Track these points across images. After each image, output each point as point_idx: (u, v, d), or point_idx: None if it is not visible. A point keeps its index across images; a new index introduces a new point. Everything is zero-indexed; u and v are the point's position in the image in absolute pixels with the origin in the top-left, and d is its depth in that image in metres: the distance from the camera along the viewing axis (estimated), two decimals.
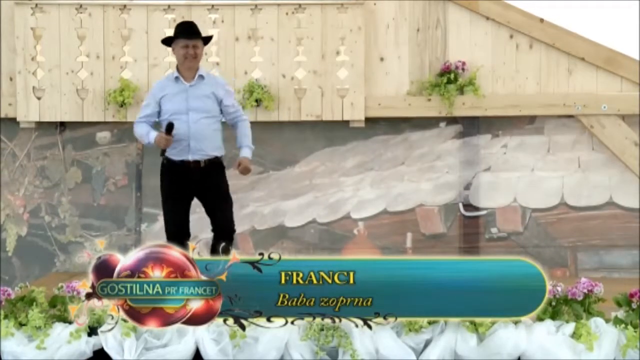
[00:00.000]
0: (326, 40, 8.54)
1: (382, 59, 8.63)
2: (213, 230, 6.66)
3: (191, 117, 6.45)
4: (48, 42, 8.57)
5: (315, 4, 8.54)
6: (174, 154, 6.51)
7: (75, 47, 8.59)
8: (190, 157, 6.47)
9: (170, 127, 6.37)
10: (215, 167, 6.56)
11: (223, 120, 6.74)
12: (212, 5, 8.56)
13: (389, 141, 8.77)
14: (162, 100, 6.53)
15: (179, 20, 8.49)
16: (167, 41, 6.69)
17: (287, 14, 8.55)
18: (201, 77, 6.55)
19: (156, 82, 6.85)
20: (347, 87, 8.55)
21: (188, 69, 6.51)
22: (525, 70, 8.60)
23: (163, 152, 6.50)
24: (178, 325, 5.66)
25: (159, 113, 6.58)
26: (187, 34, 6.50)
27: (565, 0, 8.92)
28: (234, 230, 6.69)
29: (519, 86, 8.61)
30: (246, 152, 6.65)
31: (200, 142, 6.48)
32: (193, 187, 6.54)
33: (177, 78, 6.53)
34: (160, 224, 8.73)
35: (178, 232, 6.47)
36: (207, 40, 6.73)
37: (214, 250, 6.63)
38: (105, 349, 5.66)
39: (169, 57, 8.55)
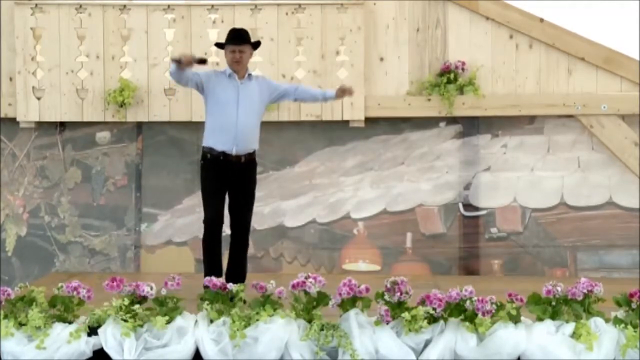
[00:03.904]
0: (326, 40, 8.55)
1: (381, 59, 8.63)
2: (231, 227, 7.01)
3: (240, 111, 6.89)
4: (48, 42, 8.57)
5: (315, 4, 8.55)
6: (219, 143, 6.87)
7: (75, 47, 8.59)
8: (234, 151, 6.86)
9: (202, 60, 6.79)
10: (252, 164, 7.03)
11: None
12: (212, 5, 8.56)
13: (388, 141, 8.78)
14: (209, 83, 6.93)
15: (179, 20, 8.54)
16: (219, 44, 7.23)
17: (286, 13, 8.56)
18: (250, 75, 7.05)
19: (209, 70, 7.21)
20: None
21: (237, 70, 6.98)
22: (525, 70, 8.61)
23: (177, 65, 6.70)
24: (177, 325, 5.68)
25: (202, 88, 6.95)
26: (234, 40, 6.97)
27: (565, 0, 8.93)
28: (249, 233, 7.08)
29: (519, 86, 8.62)
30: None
31: (245, 134, 6.90)
32: (230, 180, 6.92)
33: (230, 75, 6.96)
34: (159, 224, 8.75)
35: (215, 219, 6.88)
36: (255, 45, 7.17)
37: (232, 253, 7.04)
38: (105, 348, 5.66)
39: (169, 57, 8.55)
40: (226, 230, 6.97)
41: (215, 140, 6.89)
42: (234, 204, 6.99)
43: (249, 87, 6.96)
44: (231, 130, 6.85)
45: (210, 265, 6.86)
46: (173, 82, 8.49)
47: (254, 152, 7.00)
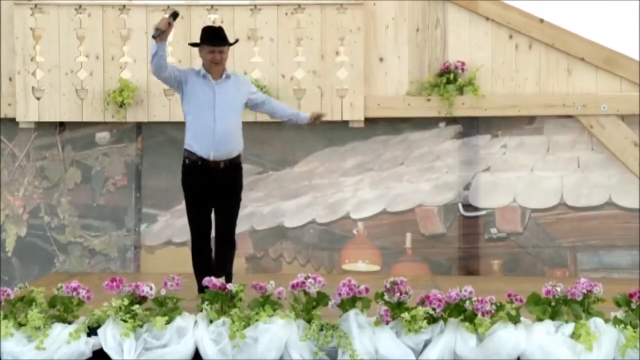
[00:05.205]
0: (325, 40, 8.55)
1: (381, 59, 8.63)
2: (215, 232, 6.76)
3: (217, 115, 6.60)
4: (47, 43, 8.57)
5: (315, 4, 8.55)
6: (198, 146, 6.63)
7: (75, 48, 8.60)
8: (212, 157, 6.60)
9: (174, 14, 6.47)
10: (234, 168, 6.74)
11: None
12: (212, 6, 8.57)
13: (388, 141, 8.78)
14: (187, 83, 6.66)
15: (178, 20, 8.46)
16: (193, 43, 6.94)
17: (286, 14, 8.56)
18: (227, 76, 6.74)
19: (185, 68, 6.95)
20: (347, 88, 8.56)
21: (215, 71, 6.70)
22: (525, 70, 8.61)
23: (157, 34, 6.38)
24: (177, 325, 5.68)
25: (180, 83, 6.67)
26: (213, 41, 6.68)
27: (565, 0, 8.93)
28: (234, 239, 6.80)
29: (519, 86, 8.62)
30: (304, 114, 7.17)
31: (224, 139, 6.62)
32: (211, 186, 6.68)
33: (204, 75, 6.69)
34: (159, 224, 8.76)
35: (202, 227, 6.72)
36: (232, 44, 6.89)
37: (217, 257, 6.78)
38: (105, 349, 5.65)
39: (168, 58, 8.50)
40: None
41: (194, 144, 6.64)
42: (216, 209, 6.75)
43: (225, 88, 6.67)
44: (208, 135, 6.58)
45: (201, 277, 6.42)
46: None
47: (237, 157, 6.73)
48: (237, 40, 7.10)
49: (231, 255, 6.82)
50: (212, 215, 6.83)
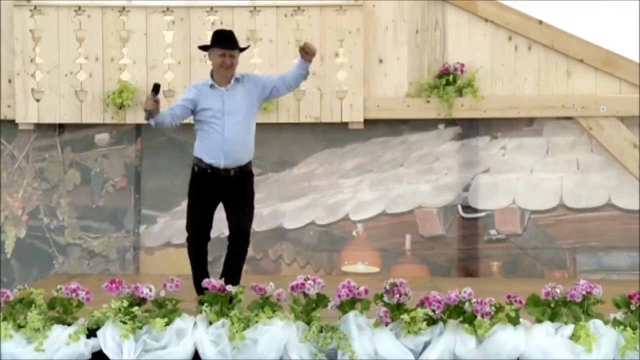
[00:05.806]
0: (325, 41, 8.55)
1: (380, 61, 8.64)
2: (229, 238, 6.69)
3: (227, 123, 6.49)
4: (47, 44, 8.57)
5: (314, 6, 8.55)
6: (207, 155, 6.54)
7: (74, 49, 8.59)
8: (222, 164, 6.51)
9: (156, 88, 6.33)
10: (244, 176, 6.63)
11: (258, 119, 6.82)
12: (211, 7, 8.56)
13: (387, 143, 8.78)
14: (200, 99, 6.55)
15: (178, 22, 8.53)
16: (203, 46, 6.79)
17: (285, 15, 8.56)
18: (237, 80, 6.60)
19: (192, 85, 6.84)
20: (346, 89, 8.56)
21: (224, 76, 6.58)
22: (524, 71, 8.61)
23: (148, 116, 6.34)
24: (176, 327, 5.68)
25: (192, 111, 6.58)
26: (225, 44, 6.55)
27: (564, 0, 8.93)
28: (248, 242, 6.70)
29: (518, 88, 8.62)
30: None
31: (234, 146, 6.51)
32: (220, 195, 6.61)
33: (212, 85, 6.58)
34: (159, 225, 8.75)
35: (199, 235, 6.66)
36: (243, 49, 6.76)
37: (228, 260, 6.70)
38: (104, 350, 5.65)
39: (168, 59, 8.58)
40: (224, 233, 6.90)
41: (203, 152, 6.55)
42: (229, 215, 6.65)
43: (235, 94, 6.54)
44: (218, 144, 6.47)
45: (197, 279, 6.47)
46: (172, 84, 8.52)
47: (247, 164, 6.61)
48: (248, 46, 7.00)
49: (239, 261, 6.68)
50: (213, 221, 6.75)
